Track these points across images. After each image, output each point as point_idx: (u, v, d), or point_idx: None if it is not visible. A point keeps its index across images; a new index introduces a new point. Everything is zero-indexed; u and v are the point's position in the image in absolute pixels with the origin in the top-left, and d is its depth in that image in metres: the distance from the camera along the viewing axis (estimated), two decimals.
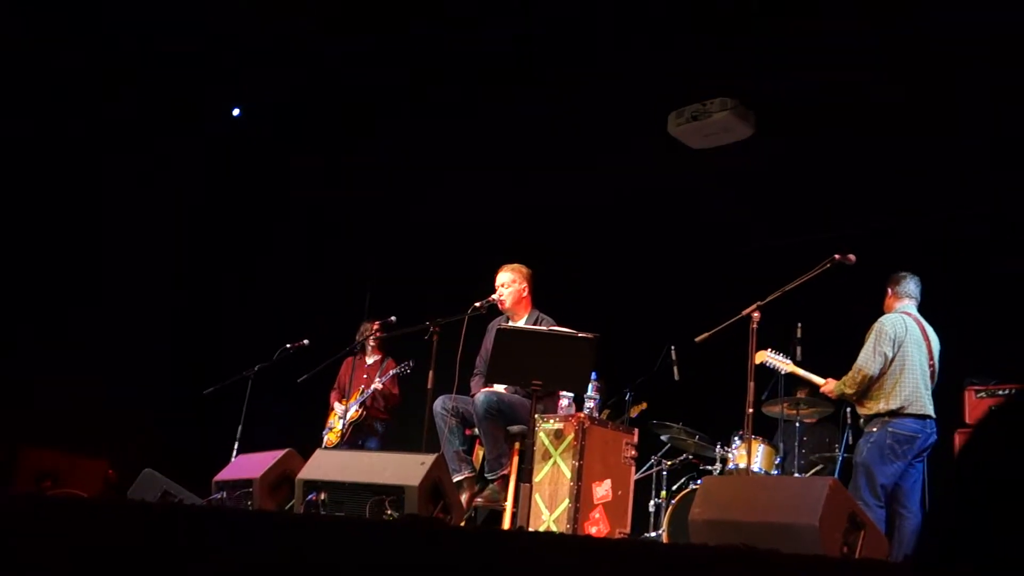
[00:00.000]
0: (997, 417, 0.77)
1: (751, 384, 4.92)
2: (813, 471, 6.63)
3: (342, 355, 7.44)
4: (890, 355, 5.42)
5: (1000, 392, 5.86)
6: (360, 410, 7.37)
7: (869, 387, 5.47)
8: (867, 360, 5.44)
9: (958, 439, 5.81)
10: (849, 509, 3.79)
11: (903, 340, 5.44)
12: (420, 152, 8.61)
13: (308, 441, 7.13)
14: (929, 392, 5.47)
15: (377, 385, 7.31)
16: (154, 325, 9.03)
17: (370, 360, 7.71)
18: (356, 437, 7.38)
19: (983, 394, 5.90)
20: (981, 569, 0.67)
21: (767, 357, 5.82)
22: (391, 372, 7.28)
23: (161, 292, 9.12)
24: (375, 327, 7.32)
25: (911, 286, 5.68)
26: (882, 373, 5.43)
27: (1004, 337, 6.23)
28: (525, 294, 5.94)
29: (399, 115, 8.41)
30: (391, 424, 7.60)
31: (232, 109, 9.23)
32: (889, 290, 5.74)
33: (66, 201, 8.31)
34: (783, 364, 5.88)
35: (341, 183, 9.14)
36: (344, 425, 7.31)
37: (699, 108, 7.06)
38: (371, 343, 7.62)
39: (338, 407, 7.53)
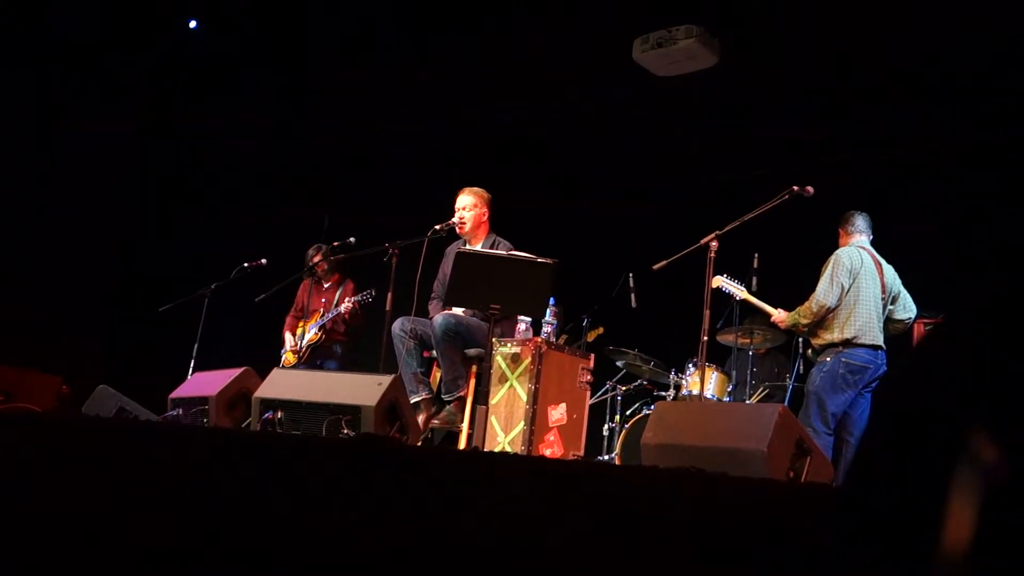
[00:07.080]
0: (914, 357, 0.79)
1: (706, 312, 4.99)
2: (761, 397, 6.75)
3: (297, 277, 7.36)
4: (846, 286, 5.51)
5: None
6: (319, 333, 7.31)
7: (825, 318, 5.57)
8: (825, 292, 5.53)
9: None
10: (797, 436, 3.87)
11: (858, 272, 5.54)
12: (382, 77, 8.44)
13: (265, 360, 7.12)
14: (881, 323, 5.58)
15: (348, 304, 7.15)
16: (110, 241, 8.89)
17: (327, 284, 7.59)
18: (315, 359, 7.33)
19: (932, 327, 6.03)
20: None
21: (722, 282, 5.91)
22: (354, 299, 7.12)
23: (116, 208, 8.95)
24: (318, 255, 7.22)
25: (860, 222, 5.78)
26: (838, 304, 5.53)
27: (955, 272, 6.35)
28: (485, 219, 5.93)
29: (360, 40, 8.21)
30: (349, 346, 7.56)
31: (188, 22, 8.94)
32: (840, 230, 5.84)
33: (10, 121, 8.07)
34: (737, 290, 5.99)
35: (300, 102, 8.98)
36: (302, 347, 7.27)
37: (664, 35, 6.98)
38: (320, 270, 7.45)
39: (288, 338, 7.45)
